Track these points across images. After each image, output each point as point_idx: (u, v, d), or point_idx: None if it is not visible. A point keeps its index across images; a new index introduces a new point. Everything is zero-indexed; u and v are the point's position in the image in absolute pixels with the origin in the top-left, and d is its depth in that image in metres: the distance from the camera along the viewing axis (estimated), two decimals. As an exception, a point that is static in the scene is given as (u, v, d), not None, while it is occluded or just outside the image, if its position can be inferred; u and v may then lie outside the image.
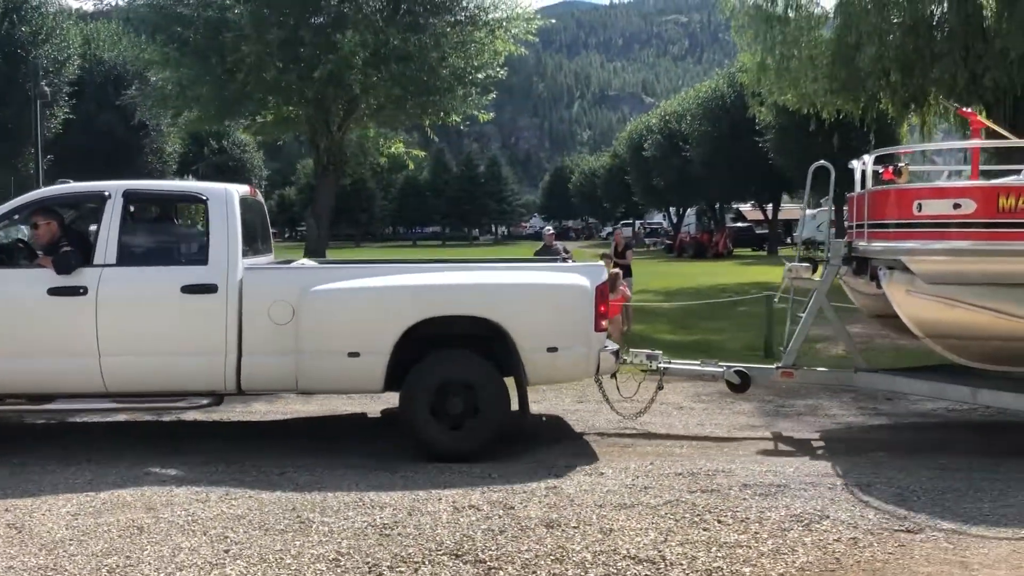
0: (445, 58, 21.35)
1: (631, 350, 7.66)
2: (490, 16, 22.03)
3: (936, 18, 19.02)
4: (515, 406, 6.72)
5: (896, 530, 4.80)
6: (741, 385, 7.39)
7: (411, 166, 31.75)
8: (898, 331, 7.43)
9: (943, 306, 6.36)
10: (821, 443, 7.08)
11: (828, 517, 4.99)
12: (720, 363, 7.68)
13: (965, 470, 6.05)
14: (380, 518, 5.00)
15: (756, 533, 4.73)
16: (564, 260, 10.70)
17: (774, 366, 7.59)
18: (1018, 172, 7.43)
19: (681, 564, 4.33)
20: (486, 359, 6.54)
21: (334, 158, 22.95)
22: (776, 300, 8.69)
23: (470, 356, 6.56)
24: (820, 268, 7.70)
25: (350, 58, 19.19)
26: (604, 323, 6.77)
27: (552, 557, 4.42)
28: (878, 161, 7.25)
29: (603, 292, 6.76)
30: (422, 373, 6.42)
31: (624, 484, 5.70)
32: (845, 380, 7.64)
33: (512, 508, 5.18)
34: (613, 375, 7.30)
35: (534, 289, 6.72)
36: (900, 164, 7.08)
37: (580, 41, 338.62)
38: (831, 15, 20.25)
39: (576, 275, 6.80)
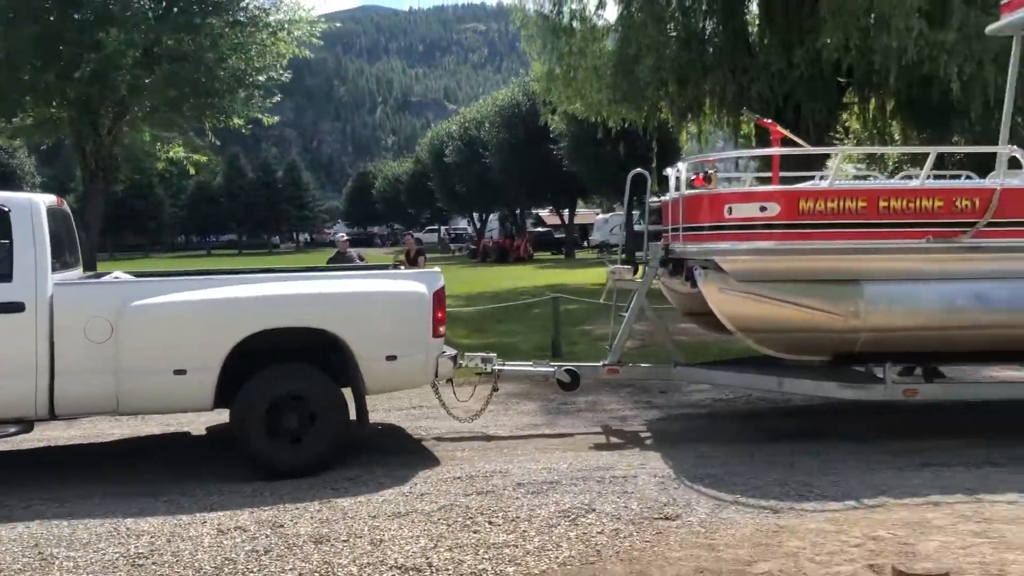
0: (224, 59, 20.57)
1: (466, 354, 7.74)
2: (271, 18, 21.46)
3: (708, 32, 20.36)
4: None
5: (656, 518, 5.03)
6: (571, 383, 7.64)
7: (192, 171, 30.19)
8: (712, 327, 7.76)
9: (752, 302, 6.70)
10: (601, 438, 7.34)
11: (594, 510, 5.16)
12: (551, 363, 7.95)
13: (723, 457, 6.46)
14: (135, 547, 4.69)
15: (524, 532, 4.82)
16: (365, 267, 10.49)
17: (601, 364, 7.85)
18: (812, 178, 7.96)
19: (447, 569, 4.33)
20: (322, 370, 6.41)
21: (103, 163, 21.53)
22: (602, 300, 8.99)
23: (305, 368, 6.41)
24: (641, 270, 8.02)
25: (116, 58, 18.09)
26: (442, 329, 6.78)
27: (318, 574, 4.30)
28: (692, 168, 7.58)
29: (440, 298, 6.77)
30: (254, 388, 6.19)
31: (401, 492, 5.66)
32: (665, 375, 8.02)
33: (282, 526, 5.00)
34: (450, 380, 7.36)
35: (371, 298, 6.63)
36: (710, 171, 7.39)
37: (381, 46, 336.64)
38: (614, 27, 21.14)
39: (413, 282, 6.78)
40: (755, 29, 20.19)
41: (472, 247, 54.14)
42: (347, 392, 6.56)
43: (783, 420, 8.08)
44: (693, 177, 7.52)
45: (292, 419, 6.24)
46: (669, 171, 7.89)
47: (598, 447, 6.97)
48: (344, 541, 4.74)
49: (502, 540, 4.70)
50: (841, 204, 6.57)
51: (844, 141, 24.09)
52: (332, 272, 7.64)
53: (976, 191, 6.76)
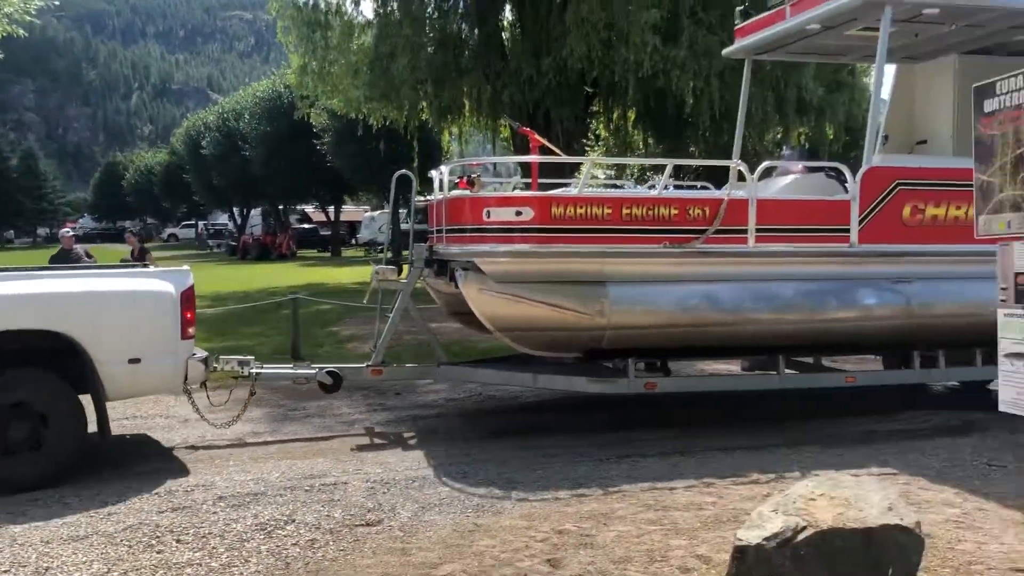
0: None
1: (221, 356, 7.37)
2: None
3: (464, 35, 20.64)
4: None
5: (356, 525, 4.98)
6: (333, 385, 7.43)
7: None
8: (475, 327, 7.85)
9: (509, 302, 6.87)
10: (324, 443, 7.18)
11: (294, 521, 5.02)
12: (312, 365, 7.69)
13: (440, 457, 6.53)
14: None
15: (213, 549, 4.60)
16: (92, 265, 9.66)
17: (364, 364, 7.70)
18: (569, 184, 8.22)
19: (116, 596, 4.04)
20: (58, 376, 5.92)
21: None
22: (365, 301, 8.78)
23: (37, 374, 5.89)
24: (406, 270, 7.95)
25: None
26: (191, 330, 6.41)
27: (-37, 612, 3.87)
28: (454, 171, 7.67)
29: (189, 297, 6.38)
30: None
31: (87, 513, 5.23)
32: (429, 374, 8.06)
33: (-67, 560, 4.46)
34: (203, 384, 6.99)
35: (110, 298, 6.17)
36: (474, 175, 7.50)
37: (137, 29, 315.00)
38: (371, 25, 20.92)
39: (159, 281, 6.36)
40: (508, 35, 20.72)
41: (232, 244, 51.85)
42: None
43: (509, 417, 8.31)
44: (457, 180, 7.65)
45: (23, 428, 5.76)
46: (433, 173, 7.95)
47: (314, 454, 6.80)
48: (5, 572, 4.30)
49: (186, 559, 4.45)
50: (589, 210, 6.92)
51: (594, 147, 25.33)
52: (68, 270, 6.99)
53: (707, 201, 7.28)
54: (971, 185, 7.25)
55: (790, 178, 8.31)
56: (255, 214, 58.09)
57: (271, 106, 43.11)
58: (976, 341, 7.53)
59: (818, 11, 7.93)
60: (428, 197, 8.38)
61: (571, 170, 10.89)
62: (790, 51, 9.60)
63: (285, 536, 4.79)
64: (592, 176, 16.83)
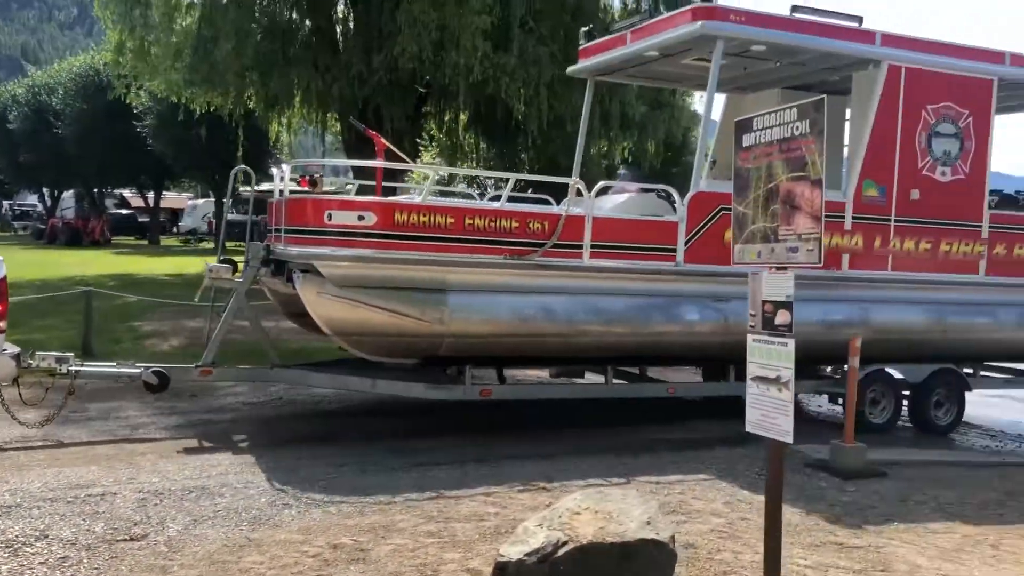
0: None
1: (37, 353, 6.91)
2: None
3: (295, 25, 20.06)
4: None
5: (118, 540, 4.68)
6: (159, 385, 7.13)
7: None
8: (313, 329, 7.68)
9: (348, 306, 6.85)
10: (100, 449, 6.74)
11: (47, 536, 4.67)
12: (137, 364, 7.35)
13: (225, 465, 6.27)
14: None
15: (-55, 570, 4.20)
16: None
17: (194, 365, 7.40)
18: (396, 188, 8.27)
19: None
20: None
21: None
22: (196, 299, 8.31)
23: None
24: (241, 268, 7.69)
25: None
26: (2, 323, 6.06)
27: None
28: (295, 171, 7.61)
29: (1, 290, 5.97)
30: None
31: None
32: (262, 376, 7.87)
33: None
34: (15, 381, 6.61)
35: None
36: (316, 175, 7.44)
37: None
38: (196, 5, 19.99)
39: None
40: (341, 28, 20.33)
41: (40, 227, 48.26)
42: None
43: (307, 423, 8.12)
44: (299, 179, 7.52)
45: None
46: (275, 171, 7.79)
47: (87, 461, 6.36)
48: None
49: (-91, 583, 4.05)
50: (432, 219, 7.03)
51: (427, 147, 25.29)
52: None
53: (546, 216, 7.50)
54: None
55: (624, 196, 8.60)
56: (67, 196, 54.30)
57: (88, 82, 40.41)
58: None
59: (656, 39, 8.30)
60: (258, 189, 8.17)
61: (401, 174, 10.78)
62: (630, 74, 9.98)
63: (33, 554, 4.44)
64: (424, 177, 16.81)
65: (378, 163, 7.96)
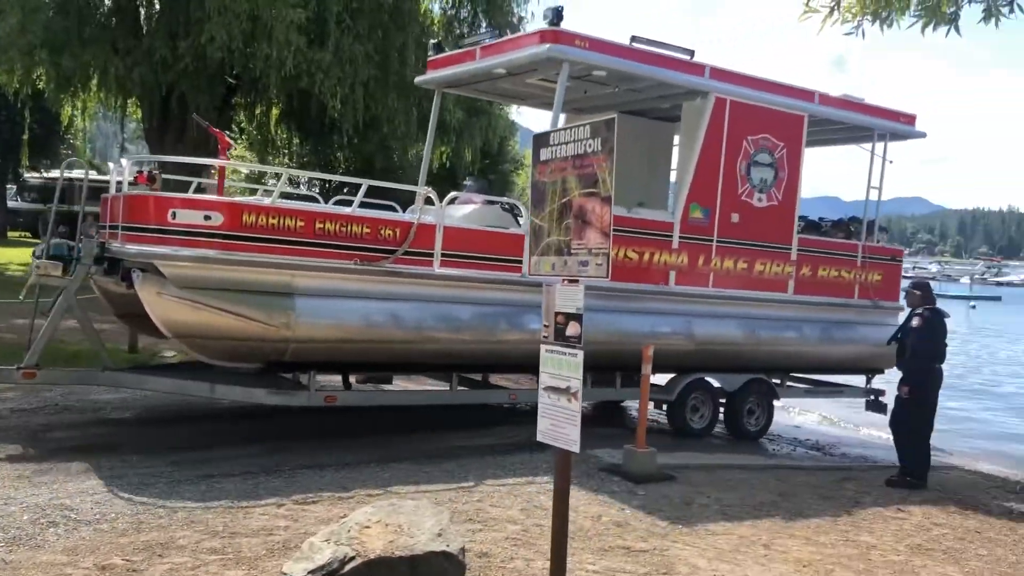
0: None
1: None
2: None
3: (92, 2, 18.72)
4: None
5: None
6: None
7: None
8: (150, 331, 7.43)
9: (191, 308, 6.62)
10: None
11: None
12: None
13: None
14: None
15: None
16: None
17: (15, 366, 6.96)
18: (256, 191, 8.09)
19: None
20: None
21: None
22: (21, 297, 7.64)
23: None
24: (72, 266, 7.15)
25: None
26: None
27: None
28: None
29: None
30: None
31: None
32: (92, 379, 7.54)
33: None
34: None
35: None
36: (155, 171, 7.20)
37: None
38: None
39: None
40: (145, 11, 19.21)
41: None
42: None
43: (82, 433, 7.47)
44: (135, 175, 7.26)
45: None
46: (111, 166, 7.52)
47: None
48: None
49: None
50: (281, 221, 6.89)
51: (237, 140, 24.28)
52: None
53: (398, 223, 7.49)
54: (620, 229, 8.24)
55: (470, 207, 8.62)
56: None
57: None
58: (618, 366, 8.62)
59: (505, 58, 8.47)
60: (47, 174, 7.62)
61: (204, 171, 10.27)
62: (477, 89, 10.14)
63: None
64: (234, 172, 16.05)
65: (220, 161, 7.72)
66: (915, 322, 8.09)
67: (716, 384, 9.39)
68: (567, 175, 3.88)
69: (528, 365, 8.40)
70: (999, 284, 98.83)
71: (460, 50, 9.38)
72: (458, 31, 20.15)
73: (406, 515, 4.20)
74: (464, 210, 8.51)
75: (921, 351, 7.95)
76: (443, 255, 7.57)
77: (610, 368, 8.75)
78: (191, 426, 7.81)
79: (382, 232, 7.33)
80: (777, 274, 9.60)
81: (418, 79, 10.27)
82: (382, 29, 17.29)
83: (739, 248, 9.27)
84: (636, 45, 8.51)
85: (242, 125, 23.61)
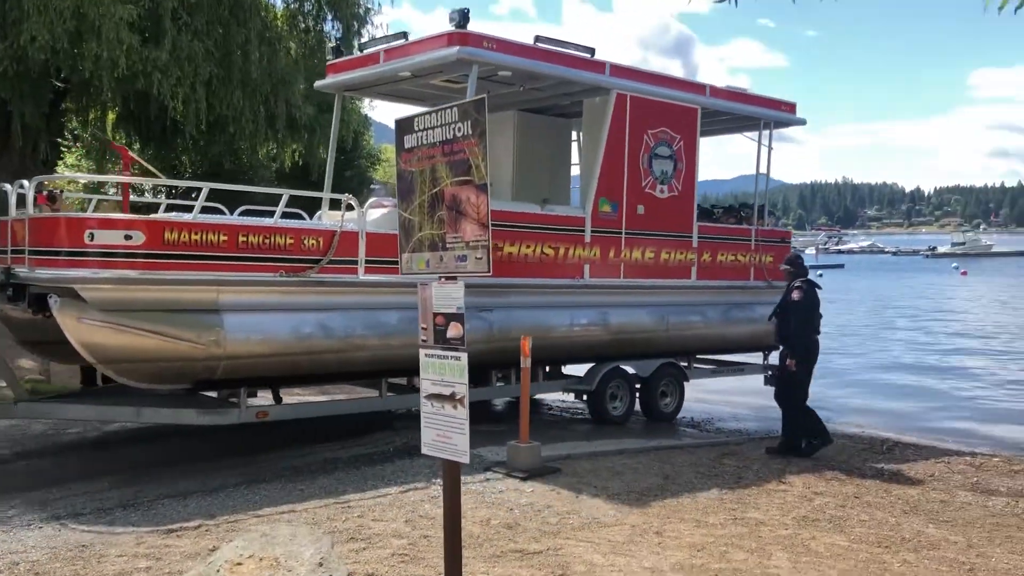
0: None
1: None
2: None
3: None
4: None
5: None
6: None
7: None
8: (60, 357, 7.29)
9: (115, 332, 6.43)
10: None
11: None
12: None
13: None
14: None
15: None
16: None
17: None
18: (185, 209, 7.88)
19: None
20: None
21: None
22: None
23: None
24: None
25: None
26: None
27: None
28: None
29: None
30: None
31: None
32: (5, 412, 7.20)
33: None
34: None
35: None
36: (56, 190, 6.97)
37: None
38: None
39: None
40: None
41: None
42: None
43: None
44: (36, 195, 7.02)
45: None
46: (7, 187, 7.14)
47: None
48: None
49: None
50: (204, 236, 6.76)
51: (71, 147, 22.67)
52: None
53: (321, 232, 7.44)
54: (535, 226, 8.63)
55: (380, 212, 8.39)
56: None
57: None
58: (542, 359, 8.82)
59: (412, 61, 8.51)
60: None
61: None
62: (378, 91, 10.16)
63: None
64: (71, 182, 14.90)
65: (125, 178, 7.60)
66: (795, 295, 8.16)
67: (631, 371, 9.62)
68: (436, 163, 3.59)
69: None
70: (840, 252, 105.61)
71: (362, 53, 9.40)
72: (303, 24, 19.41)
73: (282, 545, 3.83)
74: (374, 215, 8.30)
75: (804, 323, 8.06)
76: (367, 262, 7.55)
77: (535, 363, 8.72)
78: (31, 461, 7.08)
79: (305, 242, 7.27)
80: (681, 261, 10.01)
81: (318, 84, 10.10)
82: (222, 25, 16.43)
83: (646, 239, 9.60)
84: (540, 45, 8.68)
85: (76, 132, 22.06)
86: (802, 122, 11.39)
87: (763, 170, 11.13)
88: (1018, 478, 7.53)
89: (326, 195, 8.33)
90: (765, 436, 9.11)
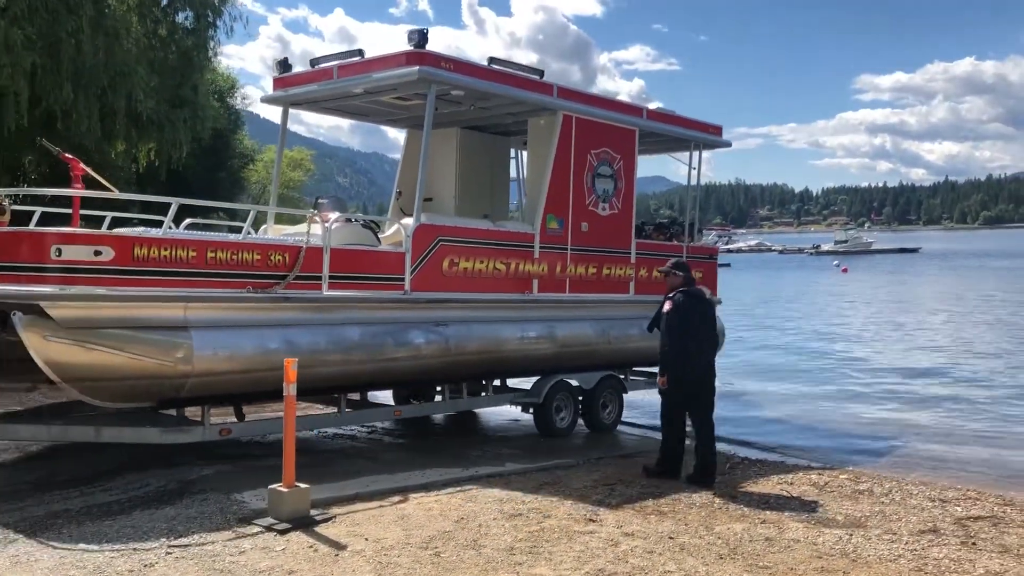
0: None
1: None
2: None
3: None
4: None
5: None
6: None
7: None
8: (7, 377, 7.17)
9: (82, 350, 6.32)
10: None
11: None
12: None
13: None
14: None
15: None
16: None
17: None
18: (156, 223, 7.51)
19: None
20: None
21: None
22: None
23: None
24: None
25: None
26: None
27: None
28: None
29: None
30: None
31: None
32: None
33: None
34: None
35: None
36: (3, 202, 6.77)
37: None
38: None
39: None
40: None
41: None
42: None
43: None
44: None
45: None
46: None
47: None
48: None
49: None
50: (174, 253, 6.66)
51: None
52: None
53: (287, 248, 7.38)
54: (488, 242, 8.84)
55: (334, 227, 8.01)
56: None
57: None
58: (495, 373, 9.23)
59: (369, 79, 8.63)
60: None
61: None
62: (326, 106, 10.09)
63: None
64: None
65: (75, 192, 7.34)
66: (666, 306, 7.61)
67: (575, 383, 9.69)
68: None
69: (413, 380, 8.86)
70: (729, 251, 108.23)
71: (313, 69, 9.34)
72: (154, 14, 17.79)
73: None
74: (319, 230, 7.82)
75: (671, 337, 7.47)
76: (330, 278, 7.52)
77: (488, 375, 9.24)
78: None
79: (272, 258, 7.21)
80: (621, 276, 10.35)
81: (263, 97, 9.95)
82: (48, 11, 14.65)
83: (589, 255, 9.92)
84: (495, 67, 8.98)
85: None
86: (728, 144, 11.85)
87: (694, 192, 11.62)
88: (861, 500, 6.96)
89: (310, 213, 7.96)
90: (600, 458, 8.29)
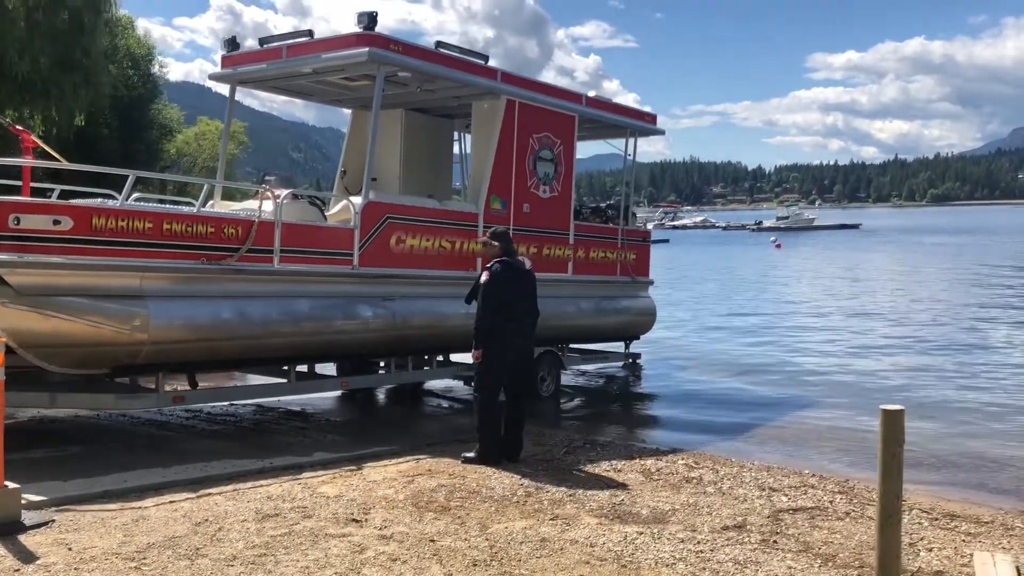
0: None
1: None
2: None
3: None
4: None
5: None
6: None
7: None
8: None
9: (40, 317, 6.45)
10: None
11: None
12: None
13: None
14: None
15: None
16: None
17: None
18: (108, 196, 7.96)
19: None
20: None
21: None
22: None
23: None
24: None
25: None
26: None
27: None
28: None
29: None
30: None
31: None
32: None
33: None
34: None
35: None
36: None
37: None
38: None
39: None
40: None
41: None
42: None
43: None
44: None
45: None
46: None
47: None
48: None
49: None
50: (131, 224, 6.83)
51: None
52: None
53: (240, 221, 7.60)
54: (434, 221, 9.14)
55: (284, 202, 8.16)
56: None
57: None
58: (438, 347, 9.55)
59: (319, 59, 8.77)
60: None
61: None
62: (272, 85, 10.22)
63: None
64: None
65: (25, 161, 7.46)
66: (483, 277, 7.08)
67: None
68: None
69: (362, 353, 9.18)
70: (674, 228, 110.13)
71: (262, 48, 9.43)
72: None
73: None
74: (270, 205, 8.11)
75: (487, 308, 6.95)
76: (282, 251, 7.79)
77: (433, 349, 9.60)
78: None
79: (225, 231, 7.43)
80: (559, 257, 10.83)
81: (211, 74, 10.04)
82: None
83: (531, 235, 10.24)
84: (442, 50, 9.23)
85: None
86: (661, 132, 12.37)
87: (628, 177, 12.20)
88: (682, 490, 6.30)
89: (263, 188, 8.18)
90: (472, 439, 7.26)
